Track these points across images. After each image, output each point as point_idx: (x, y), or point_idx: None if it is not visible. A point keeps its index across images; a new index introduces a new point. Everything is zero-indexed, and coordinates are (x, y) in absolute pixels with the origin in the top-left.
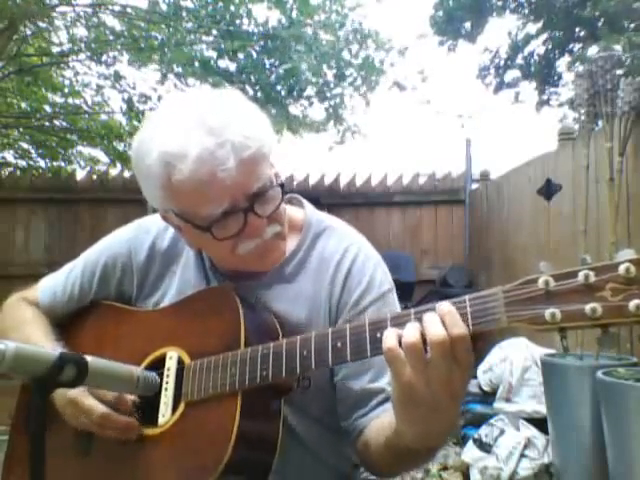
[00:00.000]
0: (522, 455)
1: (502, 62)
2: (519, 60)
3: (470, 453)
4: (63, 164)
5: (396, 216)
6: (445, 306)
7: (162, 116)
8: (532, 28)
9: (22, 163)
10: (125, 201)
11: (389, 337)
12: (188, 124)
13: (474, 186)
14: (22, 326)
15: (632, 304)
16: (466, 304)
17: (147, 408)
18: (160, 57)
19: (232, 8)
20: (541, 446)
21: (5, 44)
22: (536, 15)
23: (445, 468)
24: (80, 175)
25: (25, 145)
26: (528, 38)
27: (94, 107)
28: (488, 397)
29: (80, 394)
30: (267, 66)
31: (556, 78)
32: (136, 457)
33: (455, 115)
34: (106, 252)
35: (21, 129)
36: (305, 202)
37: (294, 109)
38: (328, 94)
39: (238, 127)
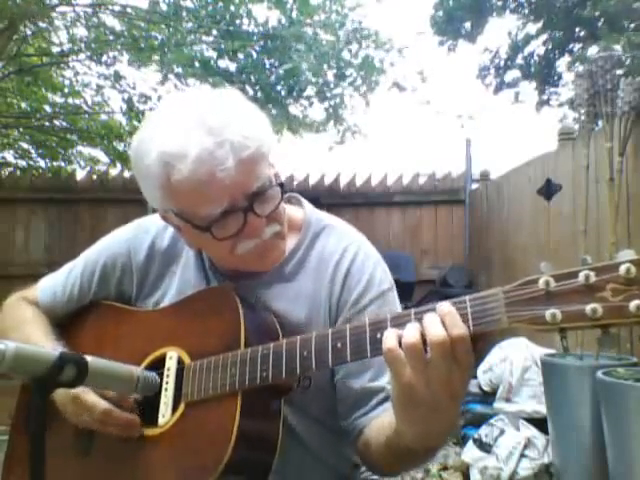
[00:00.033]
0: (522, 455)
1: (502, 62)
2: (519, 60)
3: (470, 453)
4: (63, 164)
5: (396, 216)
6: (445, 307)
7: (161, 116)
8: (532, 28)
9: (22, 163)
10: (125, 201)
11: (389, 338)
12: (187, 124)
13: (474, 186)
14: (22, 326)
15: (632, 305)
16: (466, 304)
17: (147, 408)
18: (160, 57)
19: (232, 8)
20: (541, 446)
21: (5, 44)
22: (536, 15)
23: (445, 468)
24: (80, 175)
25: (25, 145)
26: (528, 38)
27: (94, 107)
28: (488, 397)
29: (82, 391)
30: (267, 66)
31: (556, 78)
32: (136, 457)
33: (455, 115)
34: (106, 252)
35: (21, 129)
36: (304, 201)
37: (294, 109)
38: (328, 94)
39: (237, 127)
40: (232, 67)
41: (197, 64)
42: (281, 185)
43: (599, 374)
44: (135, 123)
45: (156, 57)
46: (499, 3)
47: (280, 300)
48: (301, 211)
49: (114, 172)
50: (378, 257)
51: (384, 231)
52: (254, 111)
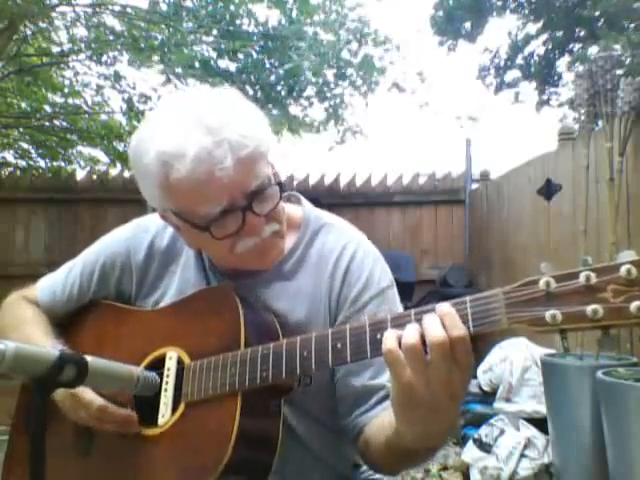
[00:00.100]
0: (522, 455)
1: (502, 62)
2: (519, 60)
3: (470, 453)
4: (63, 164)
5: (396, 216)
6: (445, 307)
7: (160, 116)
8: (532, 28)
9: (22, 163)
10: (125, 201)
11: (389, 338)
12: (186, 123)
13: (474, 186)
14: (22, 325)
15: (633, 306)
16: (466, 305)
17: (147, 408)
18: (160, 57)
19: (232, 8)
20: (541, 446)
21: (5, 44)
22: (536, 15)
23: (445, 468)
24: (80, 175)
25: (25, 145)
26: (528, 38)
27: (94, 107)
28: (488, 397)
29: (80, 388)
30: (267, 66)
31: (556, 78)
32: (136, 457)
33: (454, 117)
34: (105, 251)
35: (21, 129)
36: (303, 199)
37: (294, 109)
38: (328, 94)
39: (236, 126)
40: (232, 67)
41: (197, 64)
42: (280, 184)
43: (599, 374)
44: (135, 123)
45: (156, 57)
46: (499, 3)
47: (280, 299)
48: (300, 209)
49: (114, 172)
50: (377, 255)
51: (384, 231)
52: (253, 110)
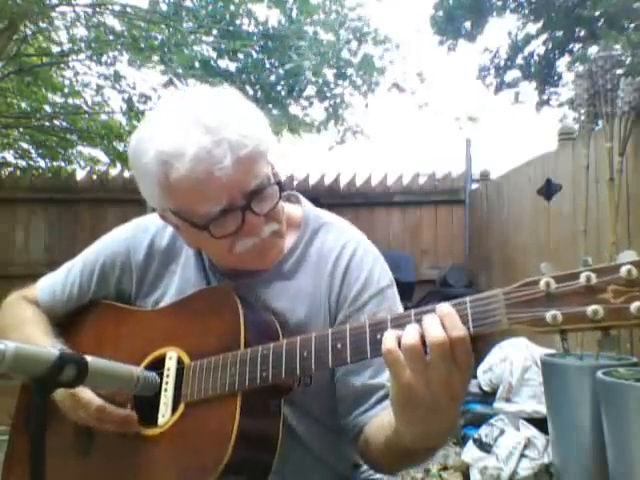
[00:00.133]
0: (522, 455)
1: (502, 62)
2: (519, 60)
3: (470, 453)
4: (63, 164)
5: (396, 216)
6: (445, 308)
7: (159, 115)
8: (532, 28)
9: (22, 163)
10: (125, 201)
11: (388, 339)
12: (185, 123)
13: (474, 186)
14: (22, 325)
15: (634, 306)
16: (467, 306)
17: (147, 408)
18: (160, 57)
19: (232, 8)
20: (541, 446)
21: (5, 44)
22: (536, 15)
23: (445, 468)
24: (80, 175)
25: (25, 145)
26: (528, 38)
27: (94, 107)
28: (488, 397)
29: (78, 387)
30: (267, 66)
31: (556, 78)
32: (136, 457)
33: (453, 118)
34: (105, 251)
35: (21, 129)
36: (303, 199)
37: (294, 109)
38: (328, 94)
39: (235, 125)
40: (232, 67)
41: (197, 64)
42: (279, 183)
43: (599, 374)
44: (135, 123)
45: (156, 57)
46: (499, 3)
47: (280, 298)
48: (300, 209)
49: (114, 172)
50: (377, 254)
51: (384, 231)
52: (252, 110)
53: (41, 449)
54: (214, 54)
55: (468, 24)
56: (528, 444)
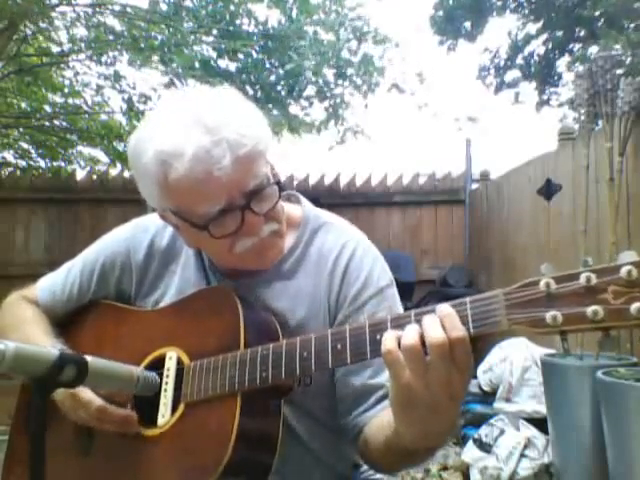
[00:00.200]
0: (522, 455)
1: (502, 62)
2: (519, 60)
3: (470, 453)
4: (63, 164)
5: (396, 216)
6: (445, 308)
7: (159, 115)
8: (532, 28)
9: (22, 163)
10: (125, 201)
11: (388, 339)
12: (184, 123)
13: (474, 186)
14: (22, 325)
15: (634, 307)
16: (466, 306)
17: (147, 408)
18: (160, 57)
19: (232, 8)
20: (541, 446)
21: (5, 44)
22: (536, 15)
23: (445, 468)
24: (80, 175)
25: (25, 145)
26: (528, 38)
27: (94, 107)
28: (488, 397)
29: (79, 387)
30: (267, 66)
31: (556, 78)
32: (136, 457)
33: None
34: (105, 251)
35: (21, 129)
36: (302, 199)
37: (294, 109)
38: (328, 94)
39: (234, 125)
40: (232, 67)
41: (197, 64)
42: (278, 183)
43: (599, 374)
44: (135, 123)
45: (156, 57)
46: (499, 3)
47: (280, 298)
48: (299, 209)
49: (114, 172)
50: (377, 253)
51: (384, 231)
52: (251, 109)
53: (41, 449)
54: (214, 54)
55: (468, 24)
56: (528, 444)
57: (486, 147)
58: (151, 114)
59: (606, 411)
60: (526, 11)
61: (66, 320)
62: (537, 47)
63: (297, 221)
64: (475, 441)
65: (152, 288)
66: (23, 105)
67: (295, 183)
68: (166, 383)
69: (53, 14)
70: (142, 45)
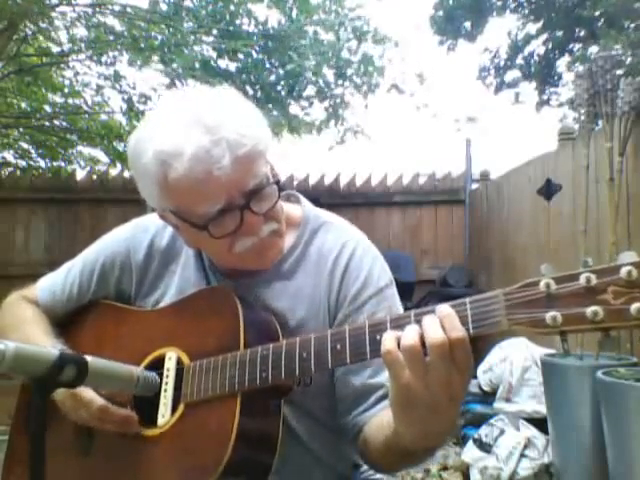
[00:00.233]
0: (522, 455)
1: (502, 62)
2: (519, 60)
3: (470, 453)
4: (63, 164)
5: (396, 216)
6: (445, 309)
7: (158, 115)
8: (532, 28)
9: (22, 163)
10: (125, 201)
11: (388, 340)
12: (184, 122)
13: (474, 186)
14: (22, 325)
15: (634, 308)
16: (466, 307)
17: (147, 408)
18: (160, 57)
19: (232, 8)
20: (541, 446)
21: (5, 44)
22: (536, 15)
23: (445, 468)
24: (80, 175)
25: (25, 145)
26: (528, 38)
27: (94, 107)
28: (488, 397)
29: (80, 387)
30: (267, 66)
31: (556, 78)
32: (136, 457)
33: (452, 119)
34: (104, 251)
35: (21, 129)
36: (302, 199)
37: (294, 109)
38: (328, 94)
39: (234, 125)
40: (232, 67)
41: (197, 64)
42: (278, 183)
43: (599, 374)
44: (135, 123)
45: (156, 57)
46: (499, 3)
47: (279, 298)
48: (299, 208)
49: (114, 172)
50: (376, 253)
51: (384, 231)
52: (251, 109)
53: (41, 449)
54: (214, 54)
55: (468, 24)
56: (528, 444)
57: (486, 147)
58: (151, 114)
59: (606, 411)
60: (526, 11)
61: (66, 320)
62: (537, 47)
63: (297, 221)
64: (475, 441)
65: (152, 288)
66: (23, 105)
67: (295, 183)
68: (166, 383)
69: (53, 14)
70: (142, 45)
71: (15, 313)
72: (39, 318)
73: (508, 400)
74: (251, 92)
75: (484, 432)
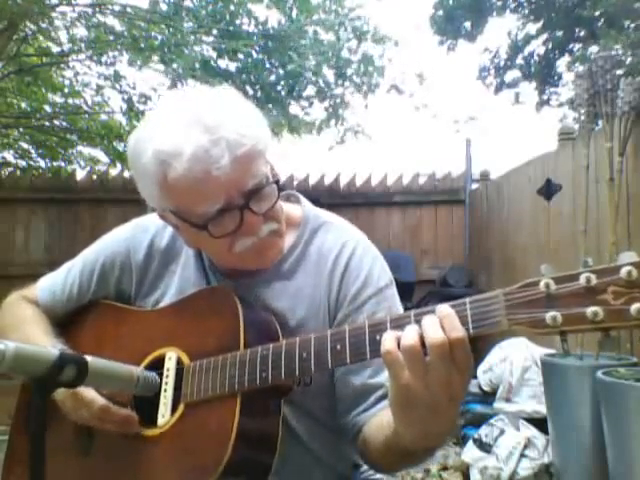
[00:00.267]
0: (522, 455)
1: (502, 62)
2: (519, 60)
3: (470, 453)
4: (63, 164)
5: (396, 216)
6: (444, 309)
7: (158, 115)
8: (532, 28)
9: (22, 163)
10: (125, 201)
11: (388, 340)
12: (183, 122)
13: (474, 186)
14: (22, 325)
15: (634, 308)
16: (466, 307)
17: (147, 408)
18: (160, 57)
19: (232, 8)
20: (541, 446)
21: (5, 44)
22: (536, 15)
23: (445, 468)
24: (80, 175)
25: (25, 145)
26: (528, 38)
27: (94, 107)
28: (488, 397)
29: (81, 387)
30: (267, 66)
31: (556, 78)
32: (136, 457)
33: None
34: (104, 251)
35: (21, 129)
36: (302, 198)
37: (294, 109)
38: (328, 94)
39: (233, 125)
40: (232, 67)
41: (197, 64)
42: (277, 182)
43: (599, 374)
44: (135, 123)
45: (156, 57)
46: (499, 3)
47: (279, 298)
48: (299, 208)
49: (114, 172)
50: (376, 253)
51: (384, 231)
52: (250, 109)
53: (41, 449)
54: (214, 54)
55: (468, 24)
56: (528, 444)
57: (486, 147)
58: (150, 114)
59: (606, 411)
60: (526, 11)
61: (66, 320)
62: (537, 47)
63: (297, 221)
64: (475, 441)
65: (152, 288)
66: (23, 105)
67: (295, 183)
68: (166, 383)
69: (53, 14)
70: (142, 45)
71: (15, 313)
72: (39, 318)
73: (508, 400)
74: (251, 92)
75: (484, 432)
